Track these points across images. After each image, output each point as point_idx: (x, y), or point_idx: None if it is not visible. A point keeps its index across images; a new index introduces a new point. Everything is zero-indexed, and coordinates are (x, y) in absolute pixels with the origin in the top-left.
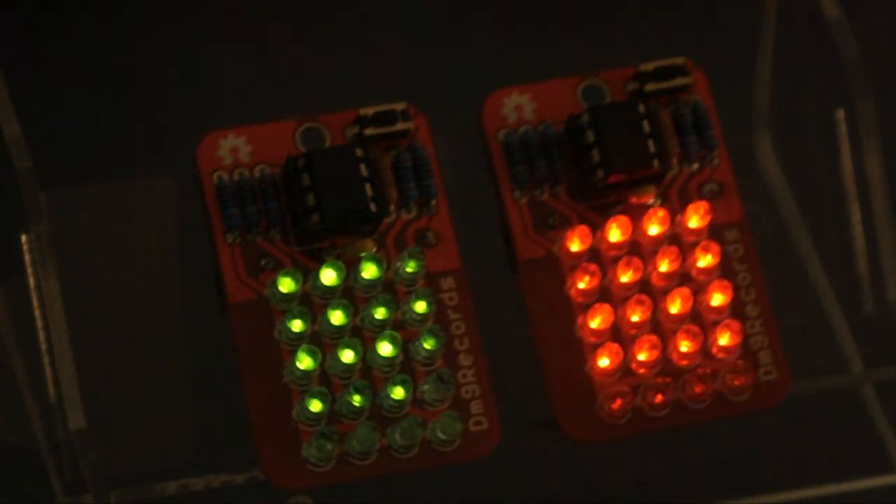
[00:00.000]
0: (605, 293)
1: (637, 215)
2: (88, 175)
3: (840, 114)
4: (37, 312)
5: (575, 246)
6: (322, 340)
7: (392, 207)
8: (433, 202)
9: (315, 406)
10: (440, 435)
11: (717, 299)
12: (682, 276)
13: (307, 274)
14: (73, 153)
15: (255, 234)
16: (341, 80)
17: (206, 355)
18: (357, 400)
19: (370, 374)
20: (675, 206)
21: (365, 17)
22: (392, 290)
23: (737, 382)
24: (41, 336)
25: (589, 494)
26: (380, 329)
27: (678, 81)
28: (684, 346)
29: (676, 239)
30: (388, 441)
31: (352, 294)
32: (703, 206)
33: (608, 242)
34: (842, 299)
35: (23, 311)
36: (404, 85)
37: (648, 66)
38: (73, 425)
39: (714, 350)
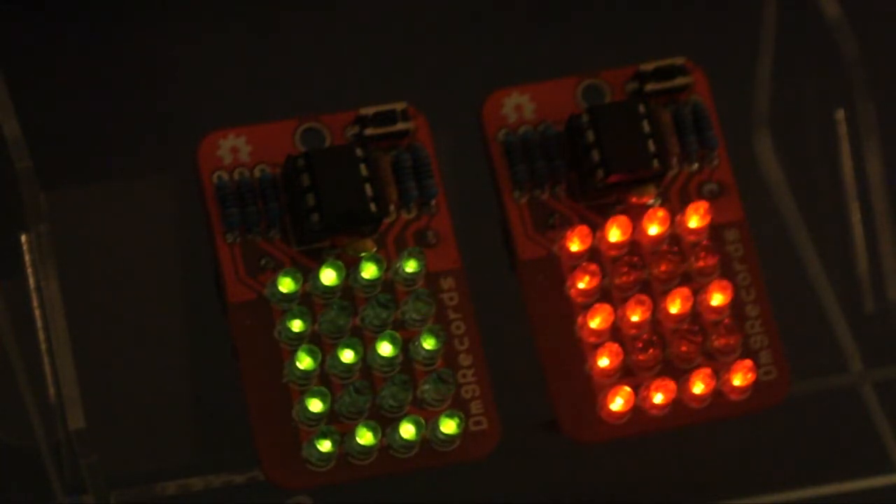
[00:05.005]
0: (605, 293)
1: (637, 215)
2: (88, 175)
3: (840, 114)
4: (37, 312)
5: (575, 246)
6: (322, 340)
7: (392, 207)
8: (433, 202)
9: (315, 406)
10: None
11: (717, 299)
12: (682, 276)
13: (307, 274)
14: (73, 153)
15: (254, 234)
16: (341, 80)
17: (206, 355)
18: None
19: (370, 374)
20: (676, 206)
21: (365, 16)
22: (392, 290)
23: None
24: (41, 336)
25: (589, 494)
26: (380, 329)
27: (678, 81)
28: (684, 346)
29: (676, 239)
30: (388, 441)
31: (352, 294)
32: (703, 206)
33: (608, 242)
34: (842, 299)
35: (23, 311)
36: (404, 85)
37: (648, 66)
38: (73, 425)
39: (714, 350)
